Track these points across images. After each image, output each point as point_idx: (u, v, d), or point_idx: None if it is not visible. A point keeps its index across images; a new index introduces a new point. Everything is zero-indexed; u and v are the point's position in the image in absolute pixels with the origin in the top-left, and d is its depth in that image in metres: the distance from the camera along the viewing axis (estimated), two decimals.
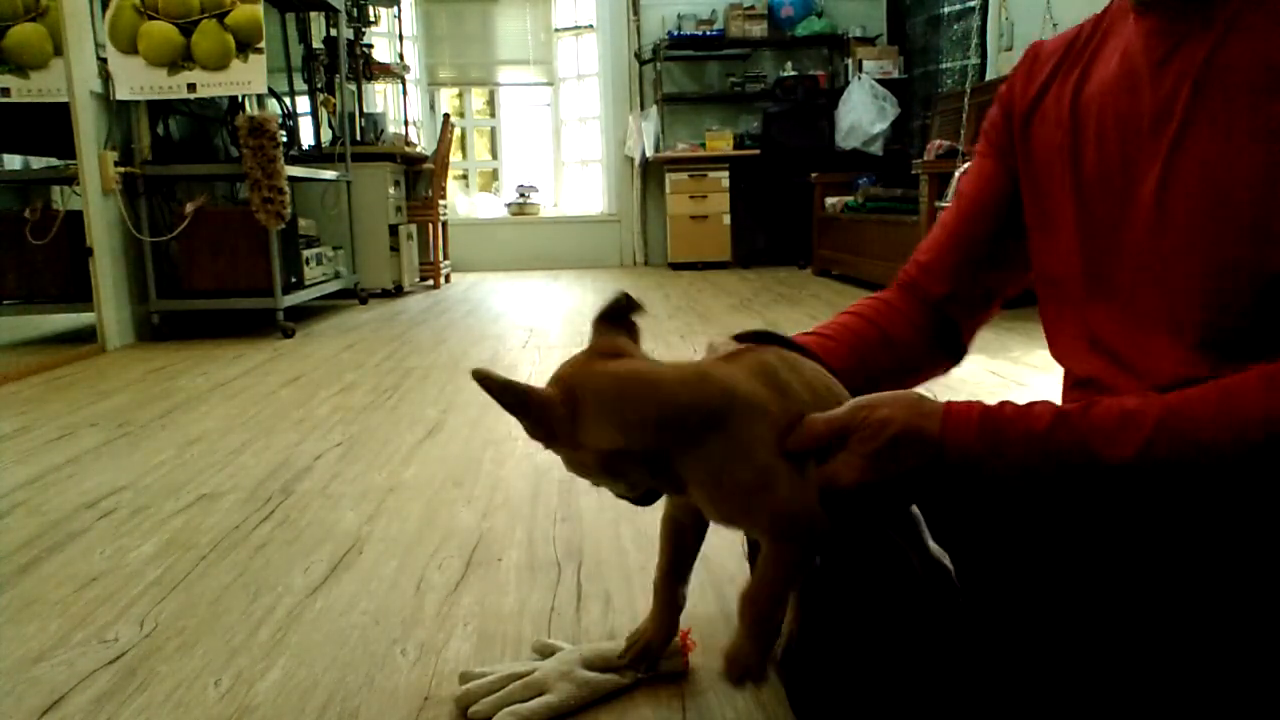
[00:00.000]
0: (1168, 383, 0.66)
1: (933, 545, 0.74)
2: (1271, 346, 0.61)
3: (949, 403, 0.63)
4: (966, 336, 0.92)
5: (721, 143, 6.32)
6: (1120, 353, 0.75)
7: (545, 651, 1.02)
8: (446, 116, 5.76)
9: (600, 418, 0.59)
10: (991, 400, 0.64)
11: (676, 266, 6.45)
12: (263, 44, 3.50)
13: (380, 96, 6.25)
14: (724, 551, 1.26)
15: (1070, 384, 0.84)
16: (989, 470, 0.60)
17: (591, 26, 6.94)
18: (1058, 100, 0.80)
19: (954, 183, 3.75)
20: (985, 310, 0.92)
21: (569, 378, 0.63)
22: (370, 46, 5.55)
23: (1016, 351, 2.68)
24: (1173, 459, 0.56)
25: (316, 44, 5.06)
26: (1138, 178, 0.70)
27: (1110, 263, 0.75)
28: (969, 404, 0.63)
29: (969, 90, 4.37)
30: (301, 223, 4.11)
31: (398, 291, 5.24)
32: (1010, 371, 2.51)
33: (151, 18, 3.42)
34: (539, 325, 3.89)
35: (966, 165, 2.56)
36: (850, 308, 0.93)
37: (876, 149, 5.86)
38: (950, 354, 0.92)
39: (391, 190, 5.11)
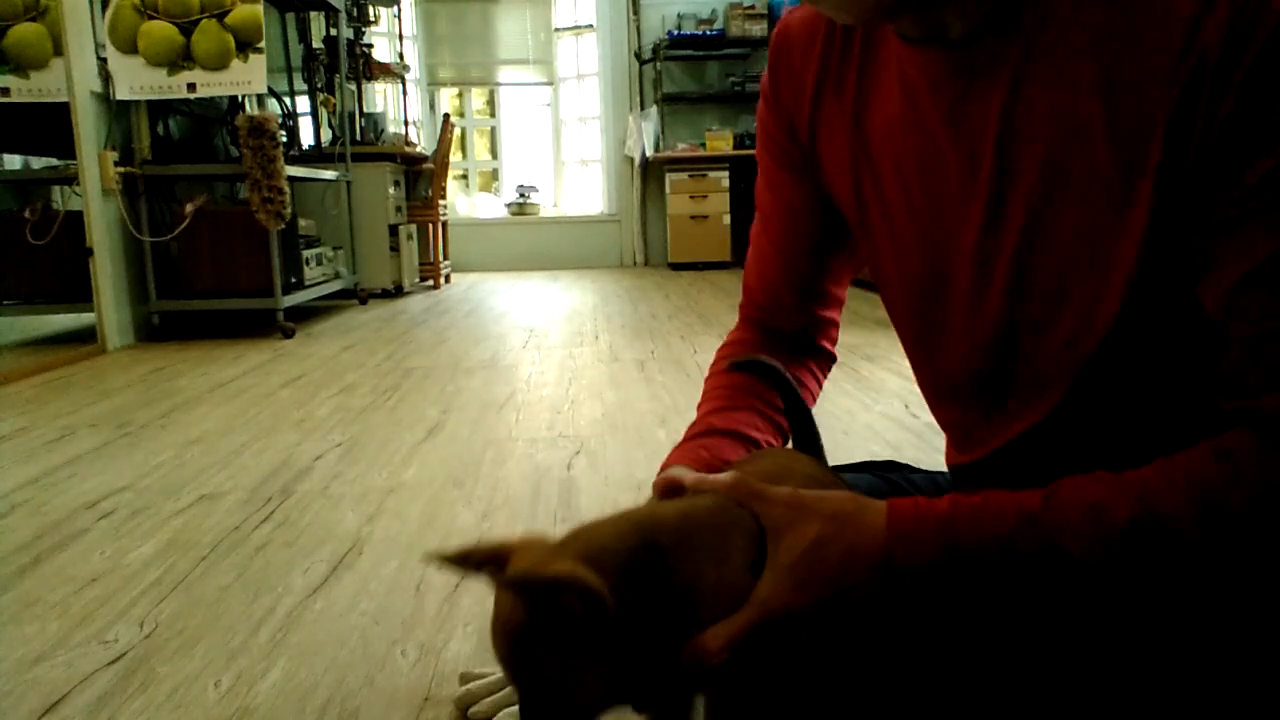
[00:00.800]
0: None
1: None
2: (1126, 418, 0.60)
3: (891, 505, 0.56)
4: (830, 342, 0.88)
5: (721, 143, 6.32)
6: (955, 417, 0.72)
7: None
8: (446, 116, 5.76)
9: (612, 570, 0.54)
10: None
11: (676, 267, 6.45)
12: (263, 44, 3.50)
13: (380, 96, 6.25)
14: None
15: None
16: (945, 580, 0.55)
17: (591, 26, 6.94)
18: (837, 120, 0.71)
19: None
20: (837, 310, 0.87)
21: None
22: (370, 46, 5.55)
23: None
24: (1147, 554, 0.53)
25: (316, 44, 5.06)
26: (953, 235, 0.65)
27: (936, 320, 0.70)
28: (915, 509, 0.56)
29: None
30: (301, 223, 4.11)
31: (398, 292, 5.24)
32: None
33: (151, 17, 3.42)
34: (539, 326, 3.89)
35: None
36: (716, 367, 0.85)
37: None
38: (824, 361, 0.88)
39: (391, 190, 5.11)
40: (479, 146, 7.49)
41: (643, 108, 6.71)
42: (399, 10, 6.18)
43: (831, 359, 0.89)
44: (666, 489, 0.62)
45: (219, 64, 3.48)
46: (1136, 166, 0.54)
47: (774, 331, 0.87)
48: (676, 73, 6.72)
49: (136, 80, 3.43)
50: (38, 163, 3.88)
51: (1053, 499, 0.55)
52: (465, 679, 0.97)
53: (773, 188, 0.81)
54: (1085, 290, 0.58)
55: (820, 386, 0.88)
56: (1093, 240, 0.57)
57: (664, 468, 0.71)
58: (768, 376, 0.73)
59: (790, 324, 0.86)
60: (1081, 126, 0.55)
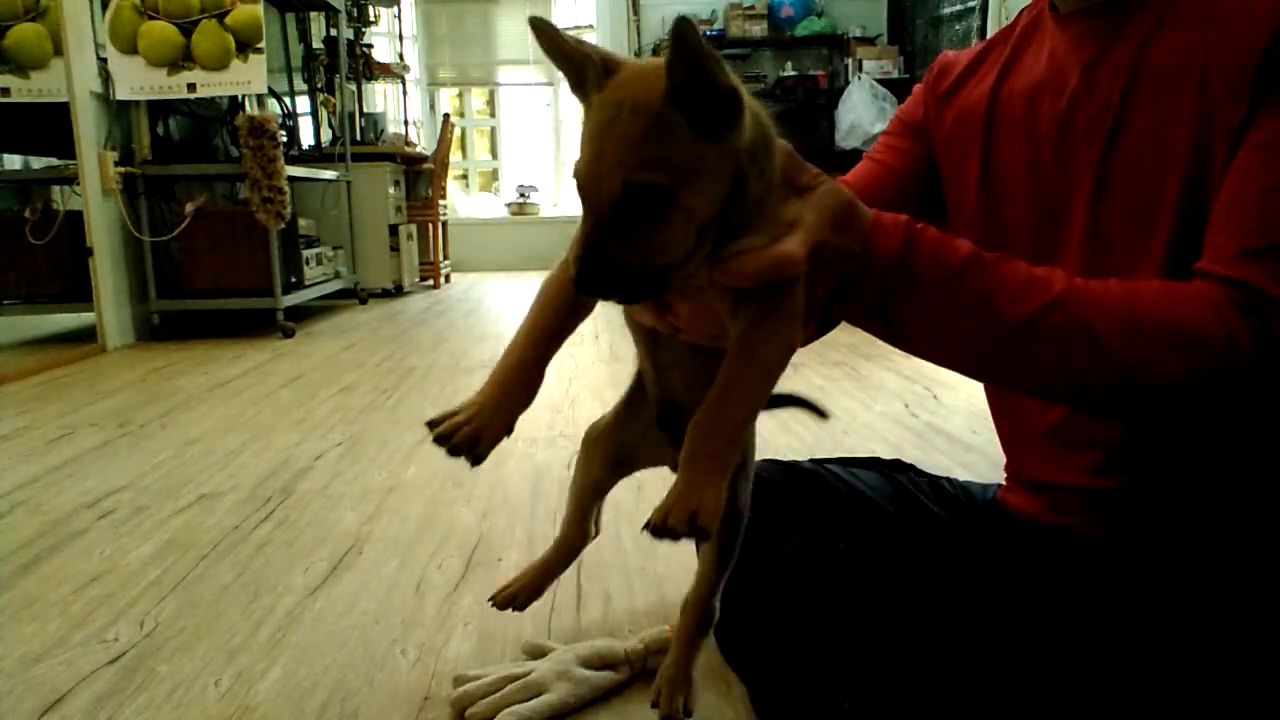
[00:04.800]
0: None
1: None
2: None
3: (877, 215, 0.59)
4: None
5: None
6: None
7: (535, 653, 1.02)
8: (446, 116, 5.76)
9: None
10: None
11: None
12: (263, 44, 3.50)
13: (380, 96, 6.25)
14: None
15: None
16: (897, 286, 0.58)
17: (591, 26, 6.93)
18: (974, 94, 0.80)
19: None
20: None
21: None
22: (370, 46, 5.55)
23: None
24: (1065, 334, 0.56)
25: (316, 44, 5.06)
26: (1074, 181, 0.71)
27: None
28: (894, 215, 0.60)
29: None
30: (301, 223, 4.11)
31: (398, 291, 5.24)
32: None
33: (151, 18, 3.42)
34: None
35: None
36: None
37: None
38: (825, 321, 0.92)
39: (391, 190, 5.11)
40: (479, 146, 7.48)
41: None
42: (399, 10, 6.17)
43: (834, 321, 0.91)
44: None
45: (219, 64, 3.48)
46: (1240, 96, 0.59)
47: None
48: None
49: (136, 80, 3.43)
50: (38, 163, 3.88)
51: (1002, 260, 0.58)
52: (459, 682, 0.96)
53: (881, 145, 0.89)
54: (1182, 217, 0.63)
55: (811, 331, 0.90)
56: (1194, 169, 0.62)
57: None
58: None
59: None
60: (1192, 80, 0.62)
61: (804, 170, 0.57)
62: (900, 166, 0.87)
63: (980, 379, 0.68)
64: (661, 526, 0.48)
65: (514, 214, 7.07)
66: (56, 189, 3.79)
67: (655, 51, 6.47)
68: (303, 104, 5.09)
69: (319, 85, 5.02)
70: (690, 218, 0.48)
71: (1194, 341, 0.54)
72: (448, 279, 6.00)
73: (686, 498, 0.49)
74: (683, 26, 0.44)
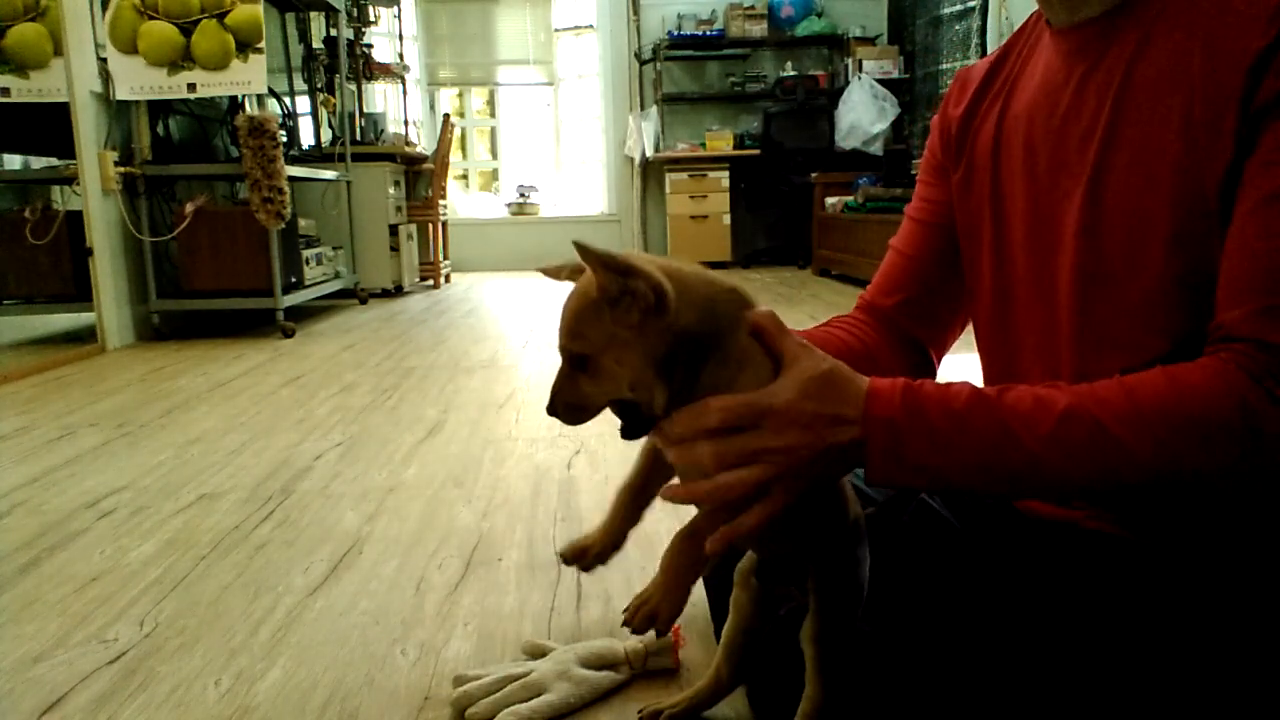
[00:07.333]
0: None
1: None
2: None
3: (873, 381, 0.61)
4: (936, 358, 0.92)
5: (721, 143, 6.32)
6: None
7: (535, 652, 1.02)
8: (446, 116, 5.76)
9: (689, 296, 0.61)
10: None
11: None
12: (263, 44, 3.50)
13: (380, 96, 6.25)
14: None
15: None
16: (910, 442, 0.59)
17: (591, 26, 6.94)
18: (985, 120, 0.80)
19: None
20: (951, 331, 0.91)
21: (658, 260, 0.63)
22: (370, 46, 5.55)
23: None
24: (1084, 446, 0.56)
25: (316, 44, 5.06)
26: (1066, 197, 0.70)
27: (1037, 289, 0.74)
28: (890, 379, 0.61)
29: None
30: (301, 223, 4.11)
31: (398, 291, 5.24)
32: None
33: (151, 18, 3.42)
34: (539, 325, 3.89)
35: None
36: (828, 322, 0.91)
37: (876, 149, 5.86)
38: (924, 374, 0.91)
39: (391, 190, 5.11)
40: (479, 146, 7.49)
41: (643, 108, 6.71)
42: (399, 10, 6.18)
43: (931, 372, 0.91)
44: None
45: (219, 64, 3.48)
46: (1226, 109, 0.59)
47: (885, 319, 0.90)
48: (676, 73, 6.71)
49: (136, 80, 3.43)
50: (38, 163, 3.88)
51: (1005, 390, 0.60)
52: (459, 681, 0.96)
53: (918, 196, 0.89)
54: (1174, 231, 0.62)
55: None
56: (1184, 184, 0.61)
57: None
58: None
59: (902, 318, 0.89)
60: (1180, 91, 0.61)
61: (784, 341, 0.60)
62: (939, 221, 0.86)
63: (1017, 498, 0.70)
64: (629, 623, 0.66)
65: (514, 214, 7.07)
66: (56, 189, 3.79)
67: (655, 51, 6.48)
68: (303, 104, 5.09)
69: (319, 85, 5.02)
70: (614, 375, 0.62)
71: (1210, 429, 0.54)
72: (448, 279, 6.00)
73: (651, 606, 0.65)
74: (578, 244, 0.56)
